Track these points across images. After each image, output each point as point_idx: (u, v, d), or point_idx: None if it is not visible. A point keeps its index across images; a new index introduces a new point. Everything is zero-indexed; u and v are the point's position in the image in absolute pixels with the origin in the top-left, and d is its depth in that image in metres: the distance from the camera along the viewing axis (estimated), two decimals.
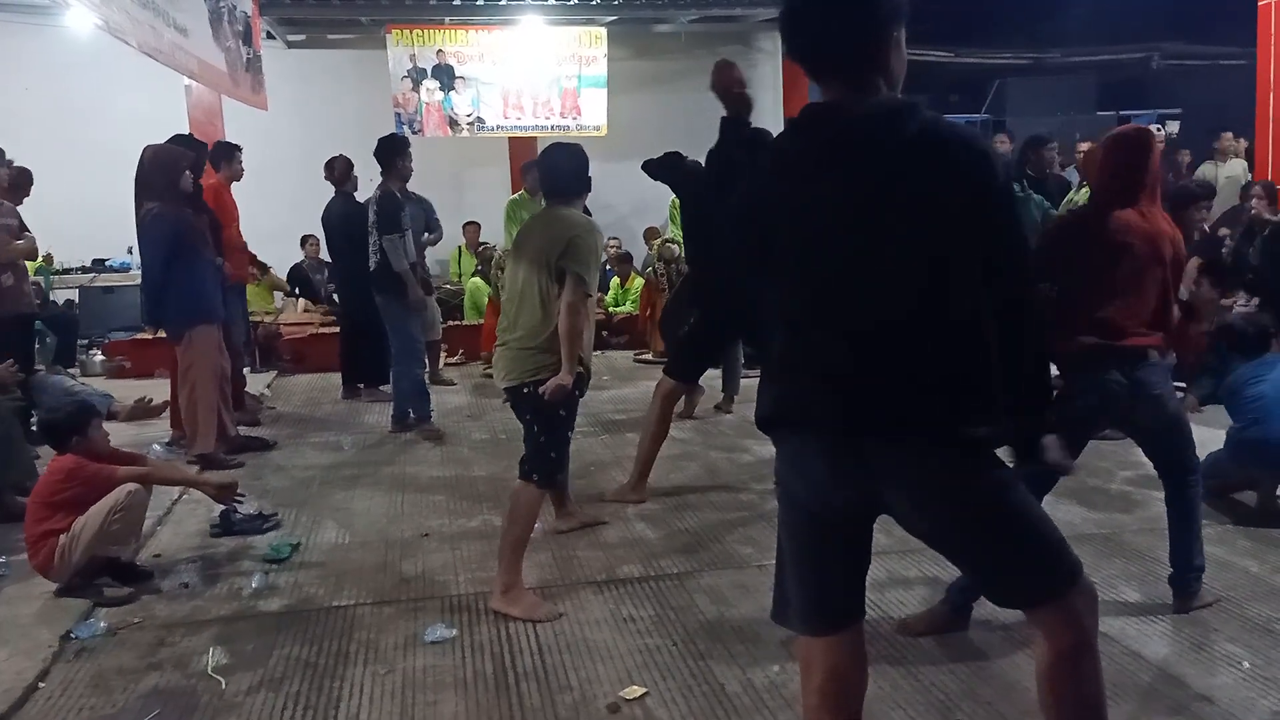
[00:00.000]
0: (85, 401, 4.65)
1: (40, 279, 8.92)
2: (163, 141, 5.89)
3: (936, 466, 1.93)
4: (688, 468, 5.58)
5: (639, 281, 10.01)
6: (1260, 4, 9.20)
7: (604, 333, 9.16)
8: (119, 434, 5.54)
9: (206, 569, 4.20)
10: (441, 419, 6.74)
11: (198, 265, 5.60)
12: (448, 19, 11.82)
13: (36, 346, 7.30)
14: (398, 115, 11.54)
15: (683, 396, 5.71)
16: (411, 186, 6.99)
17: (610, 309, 10.11)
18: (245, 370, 7.47)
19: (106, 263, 10.72)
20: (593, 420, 6.64)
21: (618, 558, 4.22)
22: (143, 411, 6.92)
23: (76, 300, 10.24)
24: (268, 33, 11.41)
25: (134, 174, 5.56)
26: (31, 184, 6.82)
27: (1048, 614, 2.02)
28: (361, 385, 7.73)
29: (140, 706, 3.09)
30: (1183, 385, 5.72)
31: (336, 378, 7.93)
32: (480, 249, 10.37)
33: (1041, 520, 2.03)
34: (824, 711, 2.11)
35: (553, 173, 3.87)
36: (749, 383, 6.80)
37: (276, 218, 9.71)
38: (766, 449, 5.39)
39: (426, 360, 7.16)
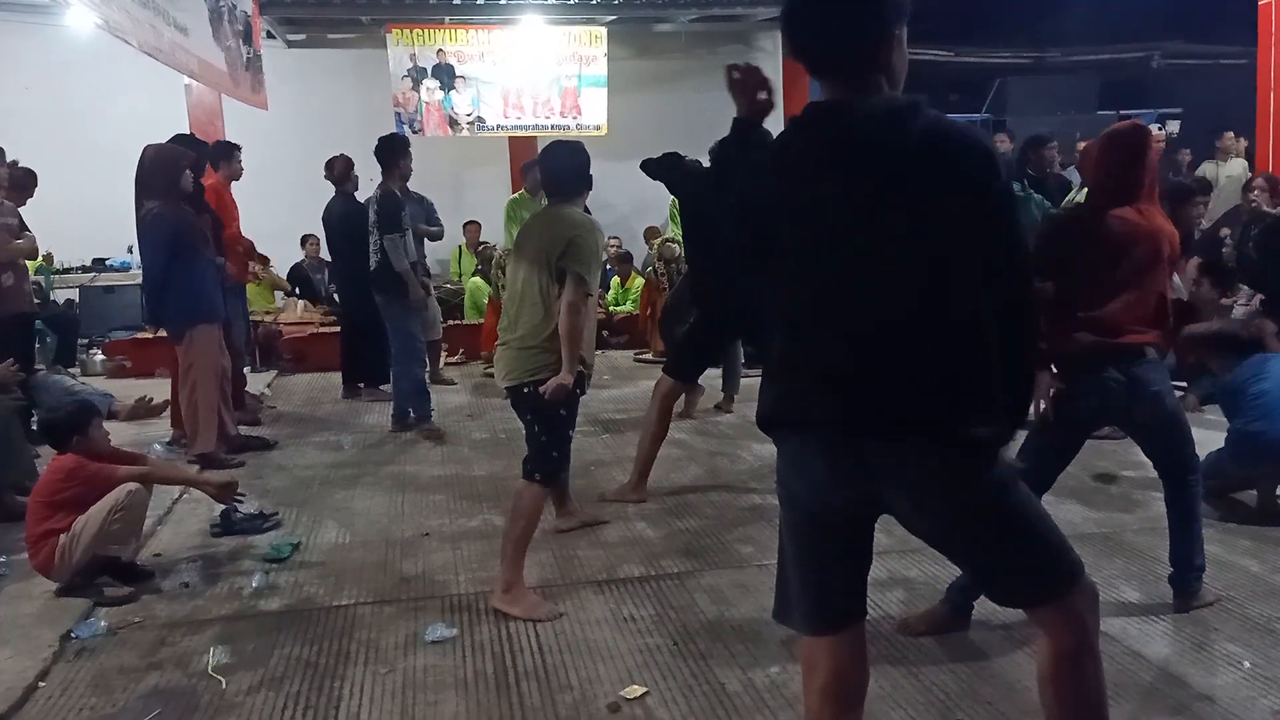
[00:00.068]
0: (85, 401, 4.65)
1: (41, 278, 8.92)
2: (164, 141, 5.90)
3: (936, 467, 1.93)
4: (688, 467, 5.57)
5: (639, 281, 10.01)
6: (1261, 3, 9.19)
7: (604, 332, 9.16)
8: (119, 433, 5.55)
9: (207, 568, 4.20)
10: (442, 418, 6.74)
11: (198, 265, 5.60)
12: (448, 18, 11.81)
13: (37, 346, 7.30)
14: (398, 115, 11.54)
15: (682, 396, 5.71)
16: (412, 186, 7.00)
17: (610, 308, 10.11)
18: (245, 370, 7.47)
19: (107, 262, 10.73)
20: (593, 420, 6.64)
21: (618, 557, 4.22)
22: (143, 411, 6.93)
23: (77, 300, 10.25)
24: (268, 32, 11.41)
25: (134, 173, 5.56)
26: (36, 185, 6.83)
27: (1049, 614, 2.02)
28: (362, 385, 7.73)
29: (141, 706, 3.09)
30: (1183, 385, 5.73)
31: (337, 377, 7.93)
32: (480, 248, 10.37)
33: (1042, 520, 2.03)
34: (825, 711, 2.11)
35: (553, 171, 3.87)
36: (749, 382, 6.80)
37: (277, 217, 9.71)
38: (767, 449, 5.40)
39: (427, 360, 7.16)
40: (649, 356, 8.92)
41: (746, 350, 6.95)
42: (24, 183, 6.74)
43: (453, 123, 11.91)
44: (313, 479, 5.57)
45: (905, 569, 3.89)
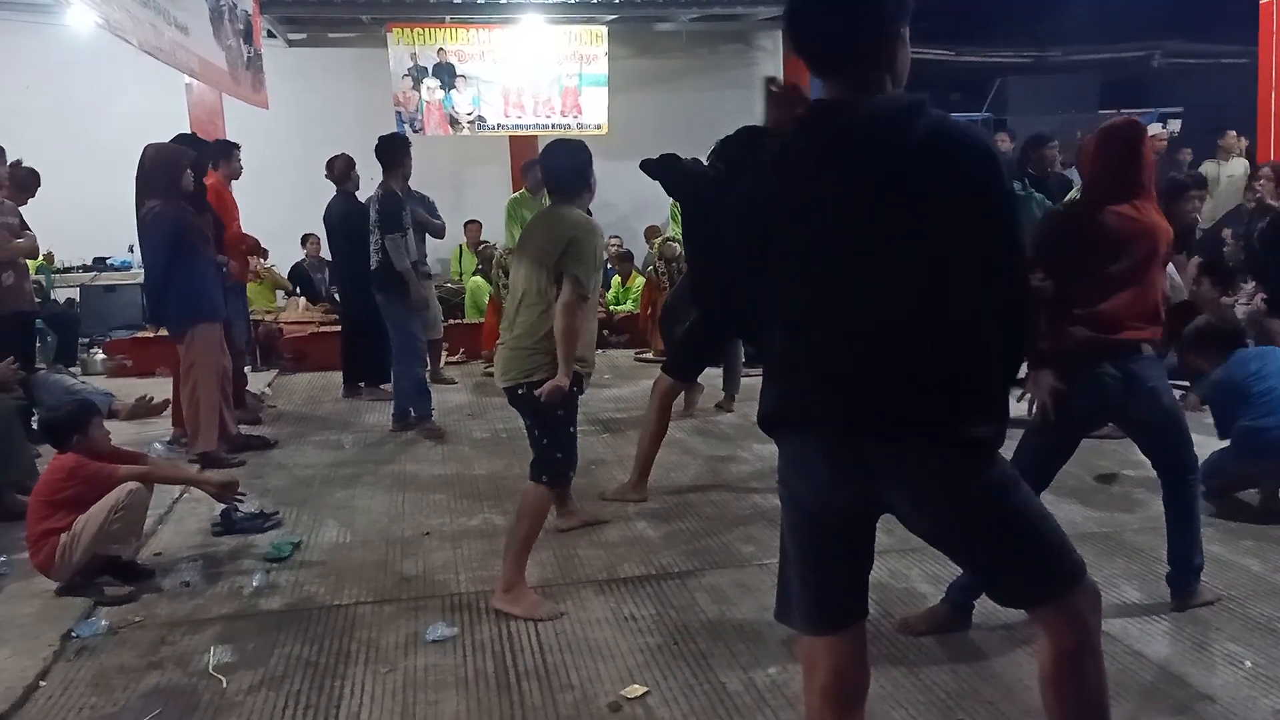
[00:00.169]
0: (86, 400, 4.65)
1: (41, 278, 8.92)
2: (164, 140, 5.89)
3: (936, 466, 1.93)
4: (689, 467, 5.57)
5: (640, 280, 10.02)
6: (1262, 3, 9.18)
7: (605, 331, 9.16)
8: (120, 432, 5.55)
9: (207, 568, 4.20)
10: (442, 418, 6.74)
11: (199, 264, 5.60)
12: (448, 17, 11.81)
13: (37, 345, 7.30)
14: (398, 114, 11.55)
15: (681, 394, 5.70)
16: (412, 185, 6.99)
17: (611, 307, 10.11)
18: (246, 369, 7.47)
19: (107, 261, 10.73)
20: (594, 419, 6.64)
21: (619, 557, 4.22)
22: (144, 410, 6.93)
23: (77, 299, 10.25)
24: (268, 31, 11.41)
25: (135, 173, 5.56)
26: (38, 185, 6.83)
27: (1050, 614, 2.02)
28: (362, 384, 7.73)
29: (141, 705, 3.09)
30: (1184, 384, 5.72)
31: (337, 376, 7.93)
32: (481, 247, 10.37)
33: (1043, 520, 2.02)
34: (826, 711, 2.11)
35: (553, 171, 3.87)
36: (750, 381, 6.79)
37: (277, 217, 9.70)
38: (767, 448, 5.39)
39: (428, 359, 7.16)
40: (649, 355, 8.93)
41: (747, 350, 6.95)
42: (27, 182, 6.74)
43: (453, 122, 11.92)
44: (313, 478, 5.57)
45: (906, 568, 3.89)
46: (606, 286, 10.31)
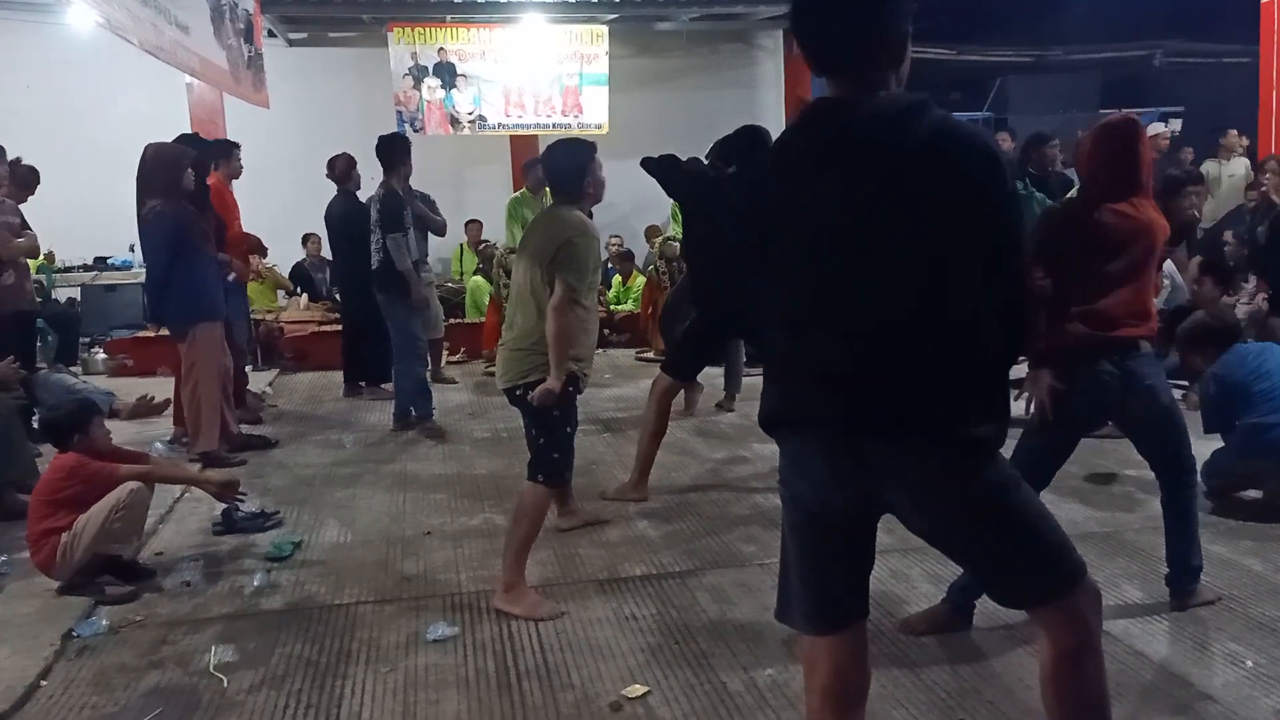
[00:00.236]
0: (87, 399, 4.65)
1: (42, 277, 8.92)
2: (166, 140, 5.89)
3: (936, 467, 1.93)
4: (689, 466, 5.57)
5: (640, 279, 10.01)
6: (1262, 2, 9.18)
7: (606, 331, 9.16)
8: (121, 432, 5.55)
9: (208, 567, 4.20)
10: (443, 417, 6.74)
11: (200, 263, 5.59)
12: (449, 17, 11.81)
13: (38, 344, 7.31)
14: (399, 113, 11.54)
15: (681, 394, 5.70)
16: (413, 184, 6.99)
17: (612, 307, 10.11)
18: (247, 368, 7.47)
19: (108, 261, 10.73)
20: (594, 418, 6.63)
21: (620, 556, 4.22)
22: (145, 409, 6.93)
23: (78, 298, 10.25)
24: (269, 30, 11.41)
25: (135, 172, 5.56)
26: (38, 183, 6.84)
27: (1050, 614, 2.02)
28: (363, 383, 7.74)
29: (142, 705, 3.09)
30: (1184, 384, 5.72)
31: (338, 376, 7.93)
32: (481, 247, 10.38)
33: (1043, 520, 2.02)
34: (827, 711, 2.11)
35: (551, 170, 3.88)
36: (751, 381, 6.79)
37: (278, 216, 9.71)
38: (768, 448, 5.39)
39: (428, 358, 7.16)
40: (650, 355, 8.92)
41: (748, 349, 6.94)
42: (27, 180, 6.75)
43: (454, 121, 11.91)
44: (314, 477, 5.57)
45: (907, 568, 3.88)
46: (607, 286, 10.31)
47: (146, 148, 5.61)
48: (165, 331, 5.89)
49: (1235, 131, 10.12)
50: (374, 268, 6.49)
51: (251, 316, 8.31)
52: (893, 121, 1.88)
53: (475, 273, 10.19)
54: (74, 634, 3.56)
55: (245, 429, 6.32)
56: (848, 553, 2.08)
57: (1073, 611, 2.00)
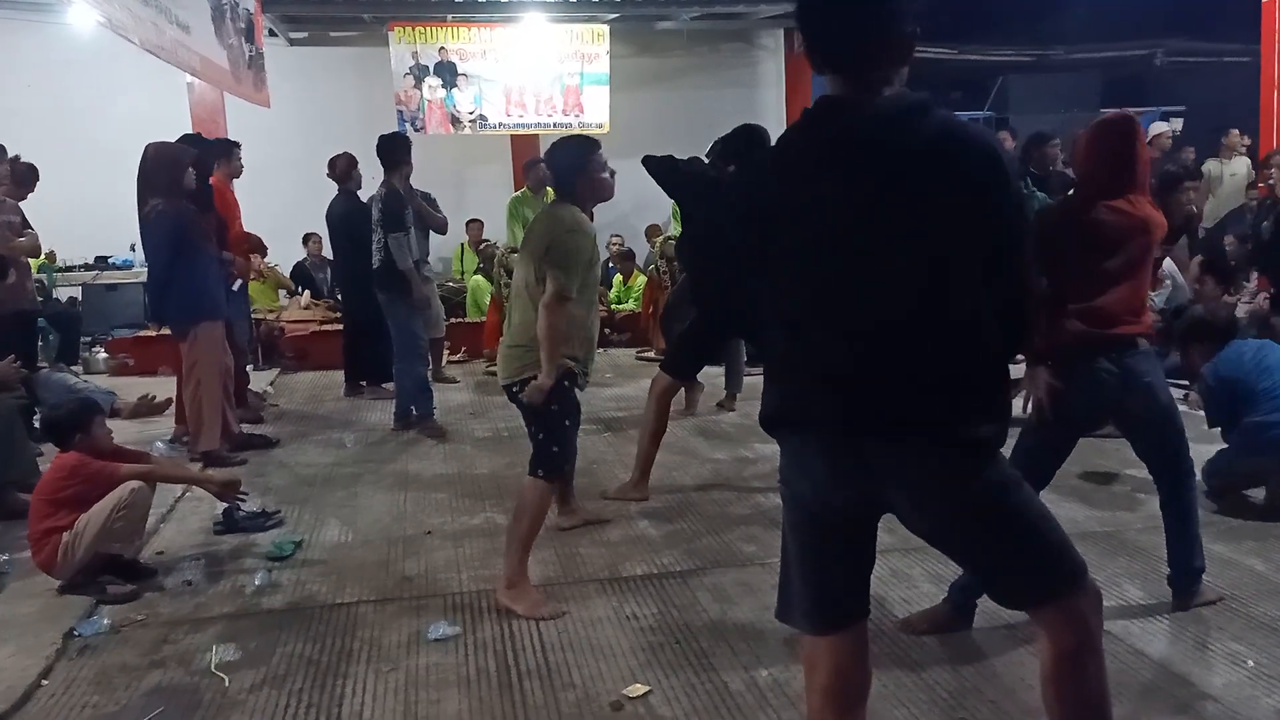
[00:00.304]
0: (88, 399, 4.65)
1: (43, 276, 8.93)
2: (166, 139, 5.89)
3: (936, 466, 1.93)
4: (690, 466, 5.57)
5: (641, 279, 10.01)
6: (1263, 1, 9.18)
7: (607, 330, 9.16)
8: (122, 431, 5.54)
9: (209, 566, 4.20)
10: (444, 416, 6.74)
11: (201, 262, 5.60)
12: (450, 16, 11.82)
13: (39, 344, 7.31)
14: (400, 113, 11.55)
15: (682, 393, 5.69)
16: (414, 184, 6.99)
17: (613, 306, 10.11)
18: (248, 367, 7.47)
19: (109, 260, 10.74)
20: (595, 418, 6.63)
21: (621, 556, 4.22)
22: (146, 409, 6.93)
23: (79, 298, 10.26)
24: (270, 30, 11.41)
25: (136, 171, 5.56)
26: (37, 180, 6.84)
27: (1051, 614, 2.02)
28: (364, 383, 7.74)
29: (143, 704, 3.09)
30: (1184, 383, 5.71)
31: (339, 375, 7.93)
32: (482, 246, 10.37)
33: (1044, 520, 2.02)
34: (827, 710, 2.11)
35: (552, 169, 3.91)
36: (751, 381, 6.79)
37: (278, 216, 9.72)
38: (769, 448, 5.38)
39: (429, 358, 7.16)
40: (651, 354, 8.91)
41: (748, 349, 6.94)
42: (26, 177, 6.75)
43: (455, 121, 11.91)
44: (315, 477, 5.57)
45: (908, 567, 3.88)
46: (608, 285, 10.30)
47: (148, 147, 5.61)
48: (166, 331, 5.90)
49: (1237, 131, 10.11)
50: (375, 267, 6.49)
51: (253, 316, 8.32)
52: (894, 121, 1.88)
53: (476, 272, 10.18)
54: (75, 633, 3.56)
55: (246, 428, 6.32)
56: (848, 552, 2.09)
57: (1073, 611, 2.00)
